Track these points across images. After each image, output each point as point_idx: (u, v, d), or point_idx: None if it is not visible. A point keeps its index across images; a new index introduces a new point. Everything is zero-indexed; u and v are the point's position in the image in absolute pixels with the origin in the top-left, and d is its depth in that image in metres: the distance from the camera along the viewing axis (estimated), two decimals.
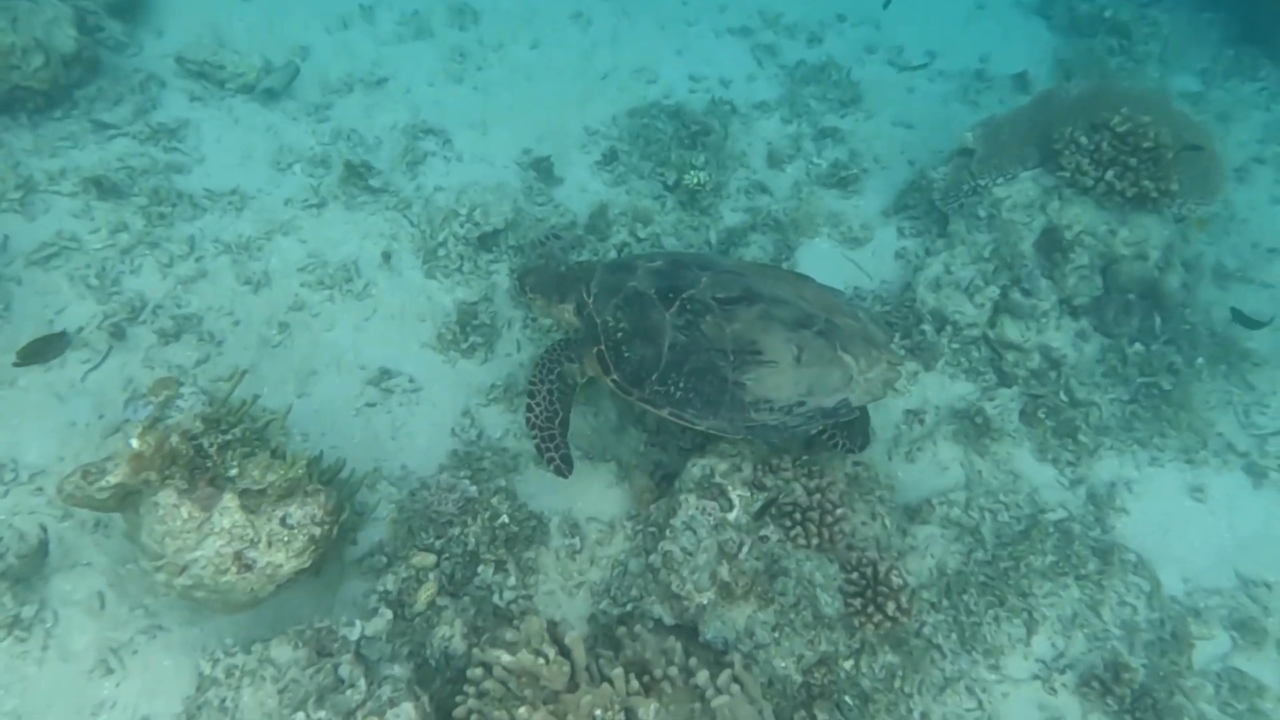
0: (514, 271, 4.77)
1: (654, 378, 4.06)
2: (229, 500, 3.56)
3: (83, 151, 5.49)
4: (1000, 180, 5.86)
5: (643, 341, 4.10)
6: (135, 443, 3.41)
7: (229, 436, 3.64)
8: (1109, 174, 5.44)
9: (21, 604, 3.70)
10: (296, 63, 6.54)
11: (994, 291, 5.59)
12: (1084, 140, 5.56)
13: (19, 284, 4.69)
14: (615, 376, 4.15)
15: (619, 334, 4.15)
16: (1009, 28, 9.78)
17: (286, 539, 3.65)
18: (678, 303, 4.11)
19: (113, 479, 3.43)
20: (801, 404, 4.09)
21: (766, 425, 4.10)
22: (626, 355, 4.12)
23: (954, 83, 8.65)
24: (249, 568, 3.59)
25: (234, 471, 3.57)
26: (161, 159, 5.65)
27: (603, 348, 4.18)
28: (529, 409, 4.29)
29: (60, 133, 5.51)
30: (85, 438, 4.26)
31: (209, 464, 3.55)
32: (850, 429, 4.43)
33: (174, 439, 3.49)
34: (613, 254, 6.00)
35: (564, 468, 4.28)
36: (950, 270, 5.76)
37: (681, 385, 4.04)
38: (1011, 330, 5.47)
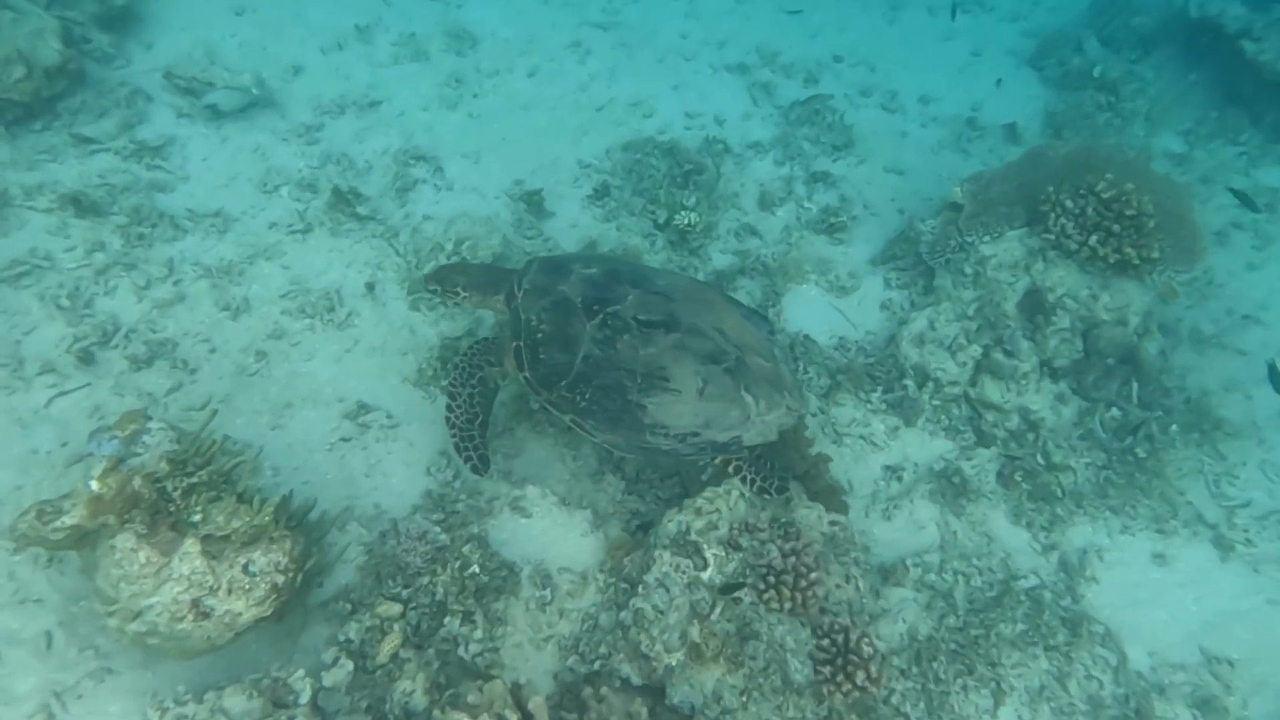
0: (429, 277, 4.76)
1: (563, 384, 4.21)
2: (190, 546, 3.47)
3: (62, 166, 5.39)
4: (987, 238, 5.90)
5: (559, 348, 4.24)
6: (95, 485, 3.33)
7: (195, 479, 3.56)
8: (1093, 239, 5.49)
9: None
10: (254, 92, 6.36)
11: (976, 350, 5.61)
12: (1069, 204, 5.61)
13: None
14: (528, 374, 4.30)
15: (539, 335, 4.28)
16: (1003, 76, 9.90)
17: (248, 586, 3.57)
18: (600, 316, 4.25)
19: (69, 520, 3.34)
20: (696, 434, 4.22)
21: (659, 449, 4.24)
22: (542, 357, 4.26)
23: (947, 129, 8.73)
24: (206, 616, 3.49)
25: (198, 517, 3.49)
26: (144, 176, 5.57)
27: (521, 344, 4.31)
28: (449, 409, 4.46)
29: (40, 145, 5.42)
30: (46, 467, 4.15)
31: (171, 508, 3.47)
32: (759, 465, 4.49)
33: (136, 481, 3.40)
34: None
35: (480, 467, 4.49)
36: (934, 326, 5.78)
37: (588, 396, 4.18)
38: (992, 390, 5.48)
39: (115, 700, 3.62)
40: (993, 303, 5.70)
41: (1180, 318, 6.43)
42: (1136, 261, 5.46)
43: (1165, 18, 10.05)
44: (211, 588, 3.49)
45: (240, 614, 3.54)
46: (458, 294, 4.73)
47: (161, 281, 5.06)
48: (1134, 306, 5.54)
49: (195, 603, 3.46)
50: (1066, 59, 9.94)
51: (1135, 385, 5.53)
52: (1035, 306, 5.63)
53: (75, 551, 3.60)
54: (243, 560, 3.58)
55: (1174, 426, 5.56)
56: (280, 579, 3.64)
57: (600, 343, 4.20)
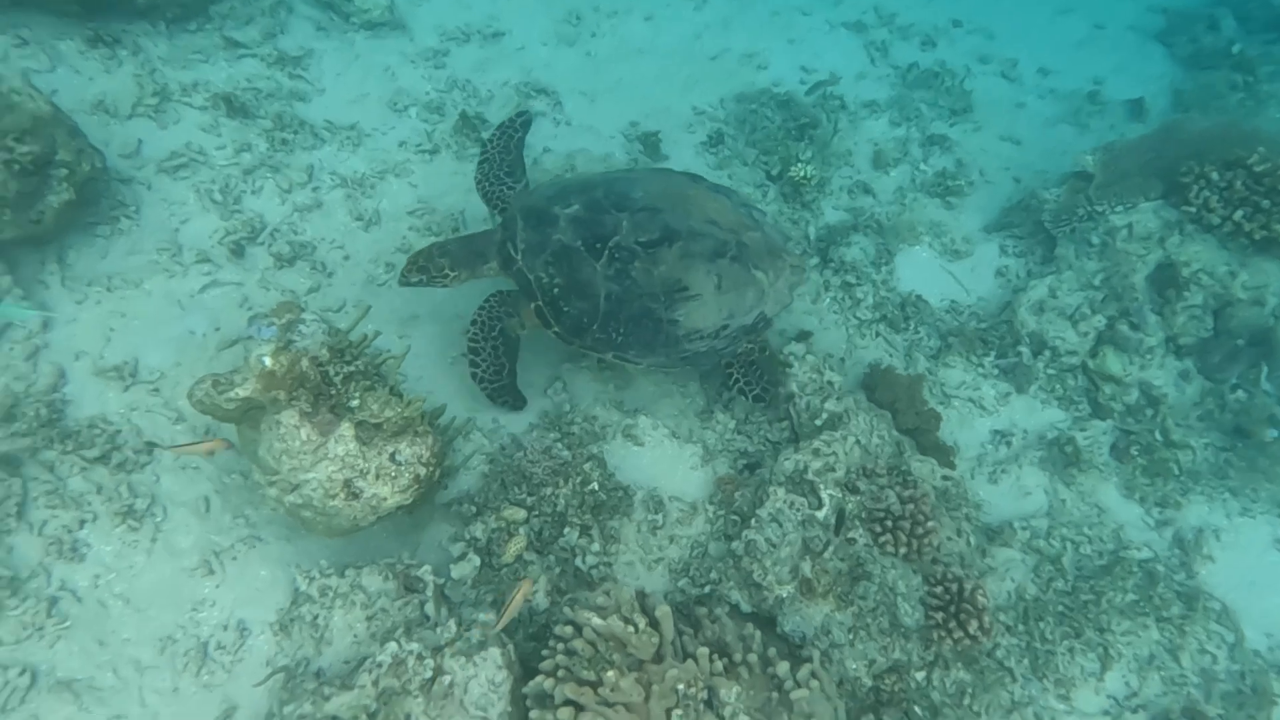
0: (409, 268, 4.47)
1: (595, 327, 4.30)
2: (345, 429, 3.63)
3: (213, 67, 5.57)
4: (1119, 208, 5.71)
5: (578, 295, 4.28)
6: (269, 361, 3.48)
7: (352, 368, 3.70)
8: (1238, 214, 5.28)
9: (135, 496, 3.82)
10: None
11: (1100, 321, 5.47)
12: (1215, 177, 5.40)
13: (149, 189, 4.79)
14: (557, 329, 4.36)
15: (555, 290, 4.29)
16: (1126, 52, 9.49)
17: (394, 474, 3.71)
18: (606, 254, 4.27)
19: (241, 392, 3.51)
20: (725, 327, 4.46)
21: (699, 353, 4.47)
22: (565, 310, 4.30)
23: (1065, 104, 8.42)
24: (355, 496, 3.66)
25: (355, 402, 3.63)
26: (286, 85, 5.72)
27: (540, 304, 4.32)
28: (473, 364, 4.51)
29: (194, 46, 5.60)
30: (201, 348, 4.36)
31: (332, 392, 3.62)
32: (750, 370, 4.65)
33: (304, 362, 3.56)
34: None
35: (517, 404, 4.67)
36: (1056, 294, 5.65)
37: (621, 331, 4.30)
38: (1114, 363, 5.36)
39: (264, 566, 3.83)
40: (1120, 274, 5.54)
41: None
42: None
43: None
44: (362, 471, 3.65)
45: (385, 499, 3.70)
46: (446, 276, 4.51)
47: (302, 187, 5.22)
48: (1273, 287, 5.33)
49: (347, 483, 3.62)
50: (1199, 36, 9.47)
51: (1265, 368, 5.34)
52: (1167, 280, 5.46)
53: (235, 426, 3.80)
54: (390, 449, 3.73)
55: None
56: (422, 471, 3.78)
57: (615, 278, 4.26)
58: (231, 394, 3.51)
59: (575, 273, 4.27)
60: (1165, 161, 5.79)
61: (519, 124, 5.18)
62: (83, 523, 3.71)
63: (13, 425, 3.78)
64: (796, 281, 4.69)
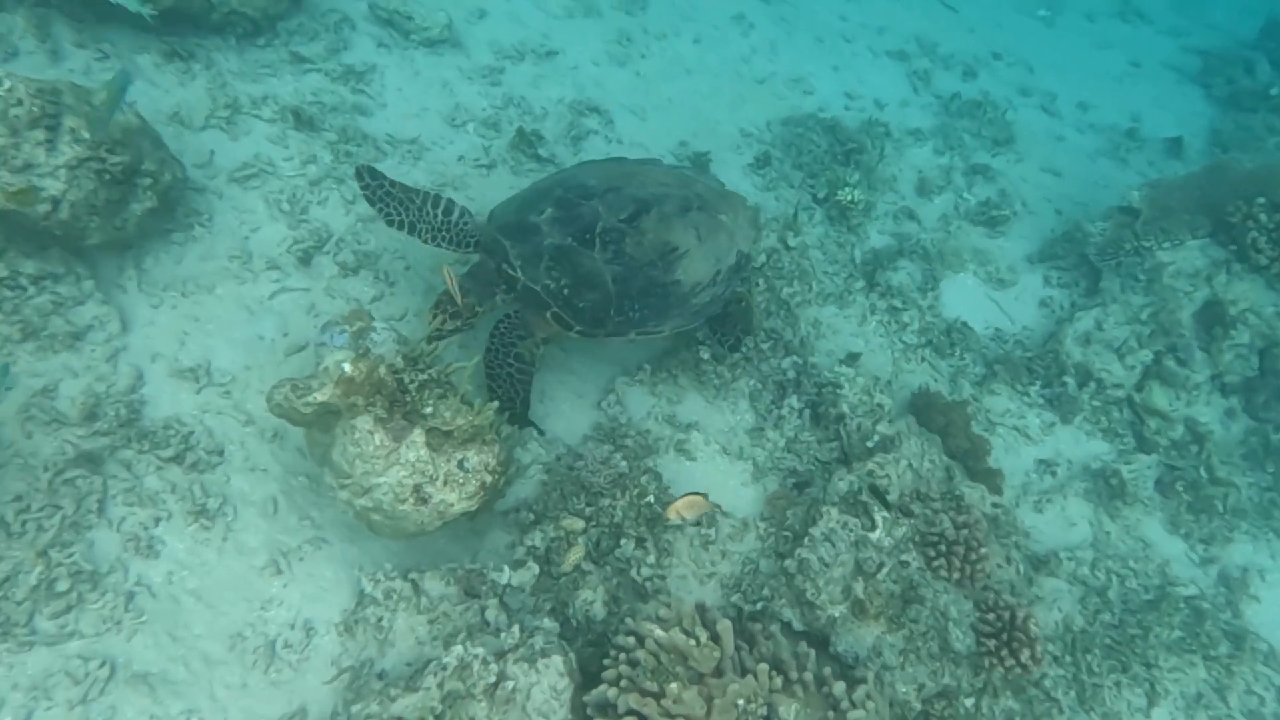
0: (442, 318, 4.29)
1: (612, 312, 4.40)
2: (418, 436, 3.70)
3: (281, 81, 5.72)
4: (1165, 244, 5.77)
5: (589, 287, 4.36)
6: (348, 368, 3.58)
7: (425, 376, 3.78)
8: None
9: (208, 495, 3.90)
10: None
11: (1146, 355, 5.52)
12: (1264, 218, 5.45)
13: (220, 198, 4.92)
14: (579, 327, 4.41)
15: (565, 290, 4.34)
16: (1163, 91, 9.61)
17: (461, 481, 3.78)
18: (597, 240, 4.38)
19: (319, 397, 3.60)
20: (717, 273, 4.68)
21: (705, 304, 4.68)
22: (581, 306, 4.36)
23: (1104, 138, 8.53)
24: (424, 501, 3.72)
25: (429, 410, 3.71)
26: (349, 99, 5.87)
27: (555, 310, 4.36)
28: (491, 391, 4.43)
29: (262, 60, 5.75)
30: (270, 352, 4.46)
31: (407, 399, 3.70)
32: (723, 323, 4.92)
33: (381, 369, 3.65)
34: (761, 258, 6.04)
35: (533, 429, 4.64)
36: (1102, 327, 5.70)
37: (636, 307, 4.44)
38: (1160, 397, 5.40)
39: (329, 567, 3.91)
40: (1167, 310, 5.59)
41: None
42: None
43: None
44: (431, 477, 3.72)
45: (452, 505, 3.77)
46: (475, 312, 4.41)
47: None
48: None
49: (417, 488, 3.69)
50: (1235, 79, 9.58)
51: None
52: (1214, 318, 5.50)
53: (305, 429, 3.89)
54: (459, 456, 3.80)
55: None
56: (488, 478, 3.85)
57: (613, 260, 4.38)
58: (310, 398, 3.60)
59: (578, 267, 4.35)
60: (1212, 200, 5.86)
61: (383, 188, 4.56)
62: (158, 520, 3.79)
63: (95, 424, 3.88)
64: (754, 214, 5.04)
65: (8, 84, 3.84)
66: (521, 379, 4.48)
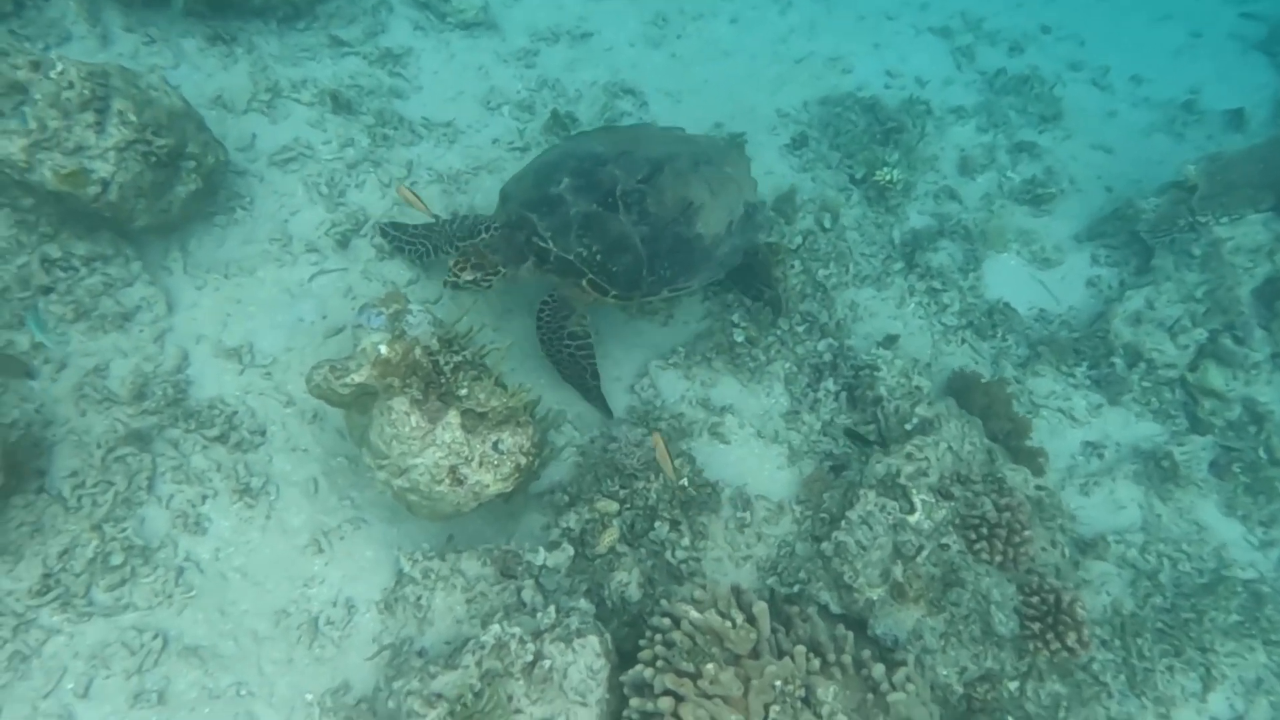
0: (462, 267, 4.23)
1: (645, 273, 4.45)
2: (453, 417, 3.73)
3: (319, 64, 5.79)
4: (1224, 220, 5.54)
5: (620, 250, 4.40)
6: (385, 349, 3.61)
7: (460, 358, 3.81)
8: None
9: (251, 475, 3.99)
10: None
11: (1201, 334, 5.31)
12: None
13: (261, 181, 5.01)
14: (615, 292, 4.45)
15: (598, 256, 4.38)
16: (1225, 63, 9.18)
17: (496, 462, 3.81)
18: (620, 203, 4.41)
19: (357, 378, 3.64)
20: (731, 223, 4.77)
21: (728, 254, 4.77)
22: (615, 270, 4.40)
23: (1159, 112, 8.19)
24: (460, 482, 3.76)
25: (464, 391, 3.74)
26: (386, 82, 5.91)
27: (590, 276, 4.39)
28: (561, 374, 4.59)
29: (302, 44, 5.82)
30: (309, 334, 4.54)
31: (442, 380, 3.73)
32: (746, 274, 5.03)
33: (417, 351, 3.68)
34: (797, 239, 5.94)
35: (608, 411, 4.69)
36: (1153, 306, 5.50)
37: (666, 265, 4.50)
38: (1216, 377, 5.20)
39: (369, 547, 3.97)
40: (1225, 287, 5.37)
41: None
42: None
43: None
44: (466, 458, 3.75)
45: (488, 486, 3.79)
46: (499, 272, 4.32)
47: (401, 181, 5.38)
48: None
49: (453, 469, 3.73)
50: None
51: None
52: (1275, 294, 5.27)
53: (344, 410, 3.94)
54: (494, 438, 3.82)
55: None
56: (522, 460, 3.87)
57: (639, 221, 4.41)
58: (347, 379, 3.65)
59: (607, 232, 4.38)
60: (1275, 173, 5.59)
61: (403, 237, 4.95)
62: (205, 498, 3.90)
63: (144, 403, 3.99)
64: (750, 166, 5.17)
65: (60, 67, 3.93)
66: (583, 354, 4.58)
